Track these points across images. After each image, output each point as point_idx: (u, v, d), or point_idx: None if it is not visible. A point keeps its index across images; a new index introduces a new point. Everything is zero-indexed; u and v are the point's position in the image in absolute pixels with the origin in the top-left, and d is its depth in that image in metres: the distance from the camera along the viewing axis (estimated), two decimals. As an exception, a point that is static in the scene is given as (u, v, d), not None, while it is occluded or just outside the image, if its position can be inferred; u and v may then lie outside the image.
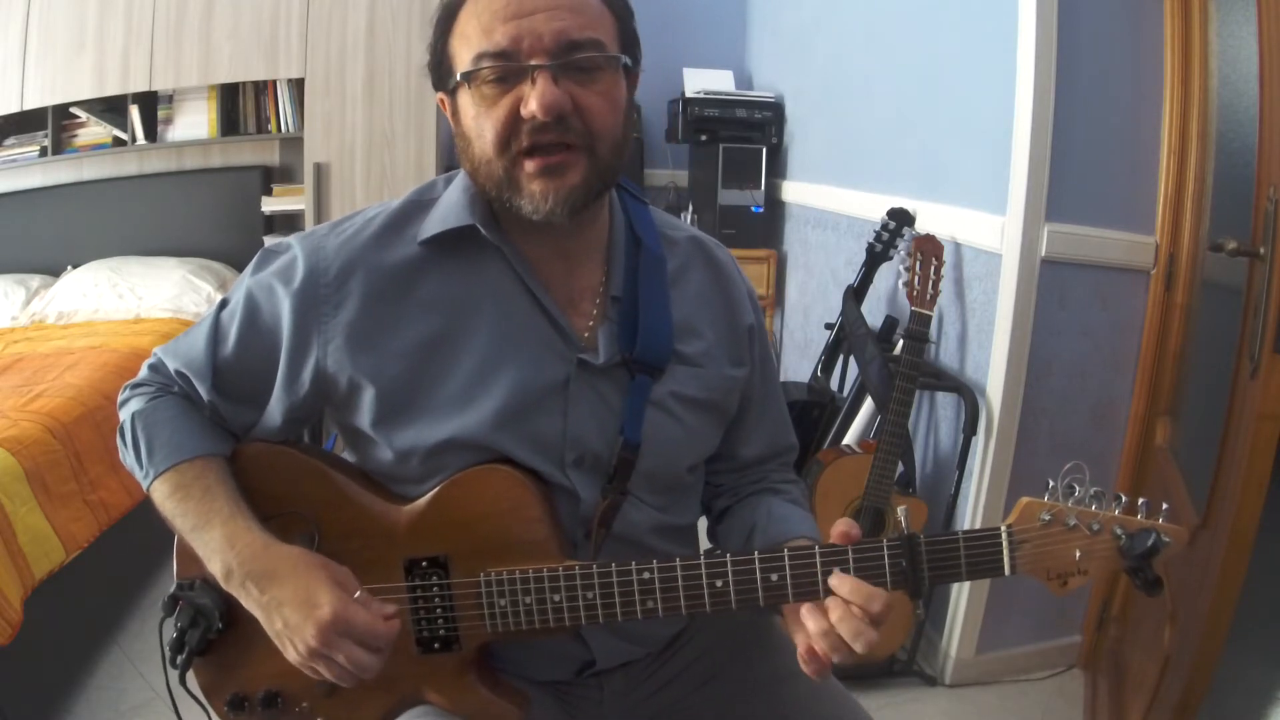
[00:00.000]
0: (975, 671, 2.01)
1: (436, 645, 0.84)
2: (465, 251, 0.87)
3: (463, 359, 0.85)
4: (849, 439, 2.11)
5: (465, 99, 0.81)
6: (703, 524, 1.06)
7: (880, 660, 1.98)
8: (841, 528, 0.79)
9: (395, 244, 0.87)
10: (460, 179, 0.89)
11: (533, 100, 0.76)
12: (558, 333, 0.87)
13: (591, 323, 0.89)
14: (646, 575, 0.80)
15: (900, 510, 0.87)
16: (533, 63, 0.77)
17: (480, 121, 0.80)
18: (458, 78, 0.80)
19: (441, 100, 0.87)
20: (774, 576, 0.78)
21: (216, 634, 0.86)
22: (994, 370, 1.86)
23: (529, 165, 0.79)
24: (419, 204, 0.90)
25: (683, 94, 3.18)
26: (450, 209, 0.87)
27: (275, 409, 0.88)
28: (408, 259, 0.86)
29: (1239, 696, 1.74)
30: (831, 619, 0.76)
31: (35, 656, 1.72)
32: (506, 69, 0.77)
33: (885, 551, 0.77)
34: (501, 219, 0.87)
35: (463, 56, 0.80)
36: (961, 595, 1.97)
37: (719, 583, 0.79)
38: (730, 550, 0.80)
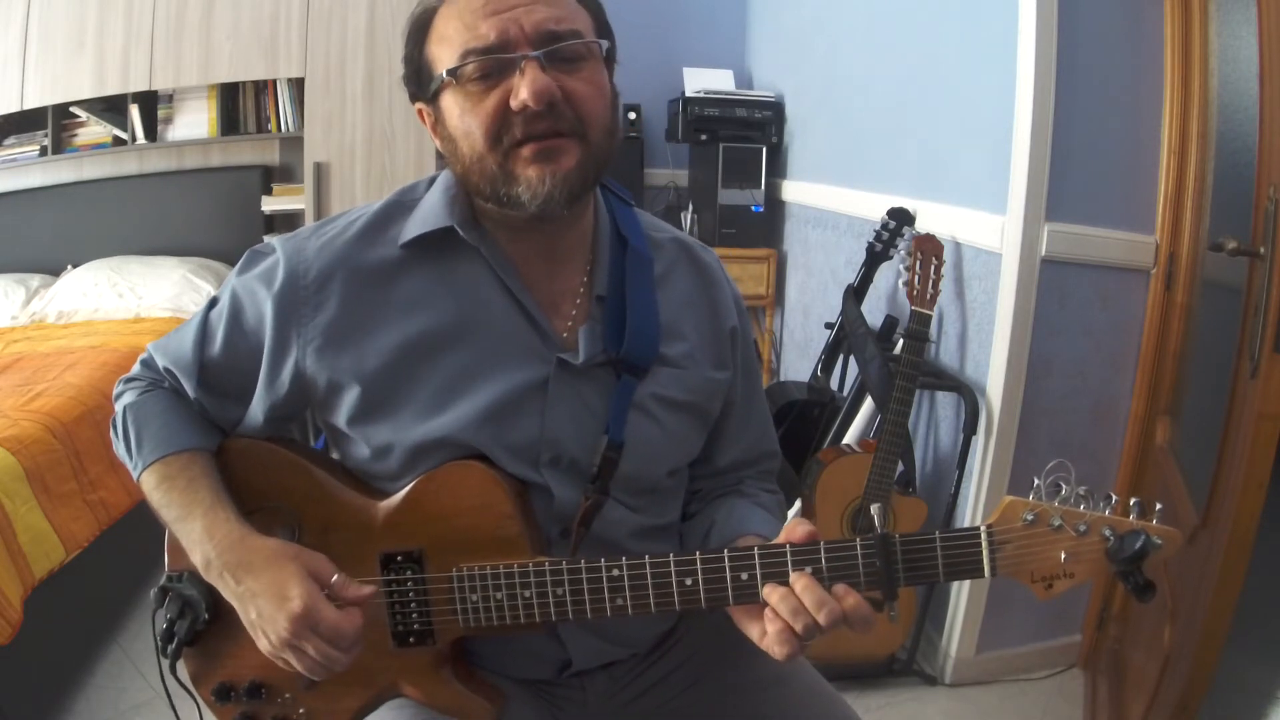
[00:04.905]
0: (975, 671, 2.01)
1: (412, 639, 0.85)
2: (446, 253, 0.87)
3: (442, 360, 0.85)
4: (849, 438, 2.11)
5: (449, 100, 0.81)
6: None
7: (880, 660, 1.98)
8: (802, 527, 0.78)
9: (376, 245, 0.87)
10: (442, 180, 0.89)
11: (523, 89, 0.76)
12: (538, 333, 0.87)
13: (571, 323, 0.89)
14: (615, 572, 0.79)
15: (874, 509, 0.86)
16: (520, 53, 0.77)
17: (467, 119, 0.80)
18: (443, 76, 0.80)
19: (420, 111, 0.86)
20: (744, 575, 0.77)
21: (204, 625, 0.87)
22: (994, 370, 1.86)
23: (525, 151, 0.79)
24: (401, 205, 0.90)
25: (683, 94, 3.18)
26: (430, 211, 0.87)
27: (257, 408, 0.89)
28: (388, 261, 0.86)
29: (1239, 696, 1.74)
30: (775, 605, 0.76)
31: (35, 656, 1.72)
32: (494, 63, 0.78)
33: (859, 550, 0.76)
34: (485, 220, 0.87)
35: (445, 58, 0.80)
36: (961, 595, 1.97)
37: (688, 581, 0.78)
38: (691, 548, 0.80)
